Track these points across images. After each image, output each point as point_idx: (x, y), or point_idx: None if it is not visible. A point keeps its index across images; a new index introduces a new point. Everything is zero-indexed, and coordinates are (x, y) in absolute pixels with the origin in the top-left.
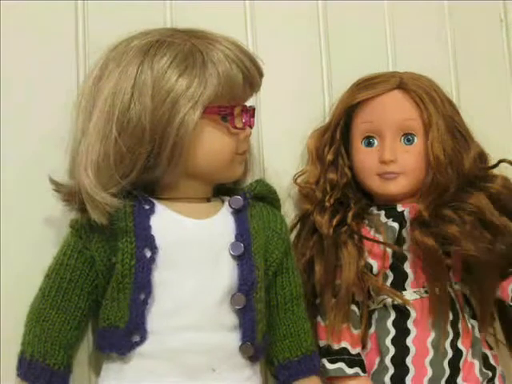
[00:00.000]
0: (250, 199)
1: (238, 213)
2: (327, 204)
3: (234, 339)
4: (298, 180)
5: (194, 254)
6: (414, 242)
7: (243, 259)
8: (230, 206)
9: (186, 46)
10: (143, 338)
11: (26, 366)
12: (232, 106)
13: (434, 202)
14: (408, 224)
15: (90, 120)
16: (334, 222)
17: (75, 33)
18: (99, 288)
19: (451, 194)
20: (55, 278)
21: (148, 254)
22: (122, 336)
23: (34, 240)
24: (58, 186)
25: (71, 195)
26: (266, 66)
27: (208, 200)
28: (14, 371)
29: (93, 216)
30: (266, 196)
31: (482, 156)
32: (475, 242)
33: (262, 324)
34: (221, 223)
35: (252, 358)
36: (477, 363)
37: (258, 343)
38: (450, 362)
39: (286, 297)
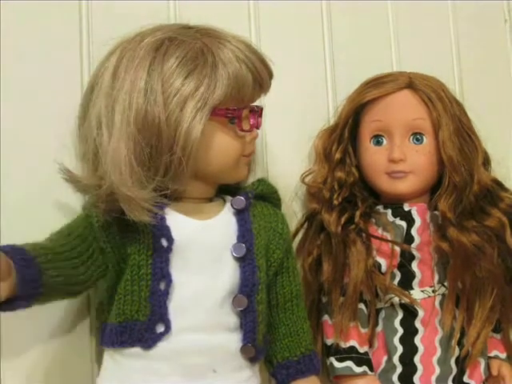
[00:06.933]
0: (251, 199)
1: (239, 213)
2: (335, 202)
3: (235, 341)
4: (306, 179)
5: (196, 254)
6: (448, 240)
7: (245, 260)
8: (232, 206)
9: (197, 45)
10: (168, 329)
11: None
12: (240, 109)
13: (456, 203)
14: (417, 223)
15: (113, 121)
16: (343, 220)
17: (79, 32)
18: (106, 269)
19: (471, 202)
20: (59, 231)
21: (165, 243)
22: (146, 329)
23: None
24: (69, 176)
25: (99, 197)
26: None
27: (210, 200)
28: (15, 372)
29: (132, 216)
30: (267, 195)
31: (486, 159)
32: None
33: (262, 325)
34: (223, 224)
35: (252, 359)
36: (482, 361)
37: (258, 344)
38: (457, 360)
39: (286, 296)
